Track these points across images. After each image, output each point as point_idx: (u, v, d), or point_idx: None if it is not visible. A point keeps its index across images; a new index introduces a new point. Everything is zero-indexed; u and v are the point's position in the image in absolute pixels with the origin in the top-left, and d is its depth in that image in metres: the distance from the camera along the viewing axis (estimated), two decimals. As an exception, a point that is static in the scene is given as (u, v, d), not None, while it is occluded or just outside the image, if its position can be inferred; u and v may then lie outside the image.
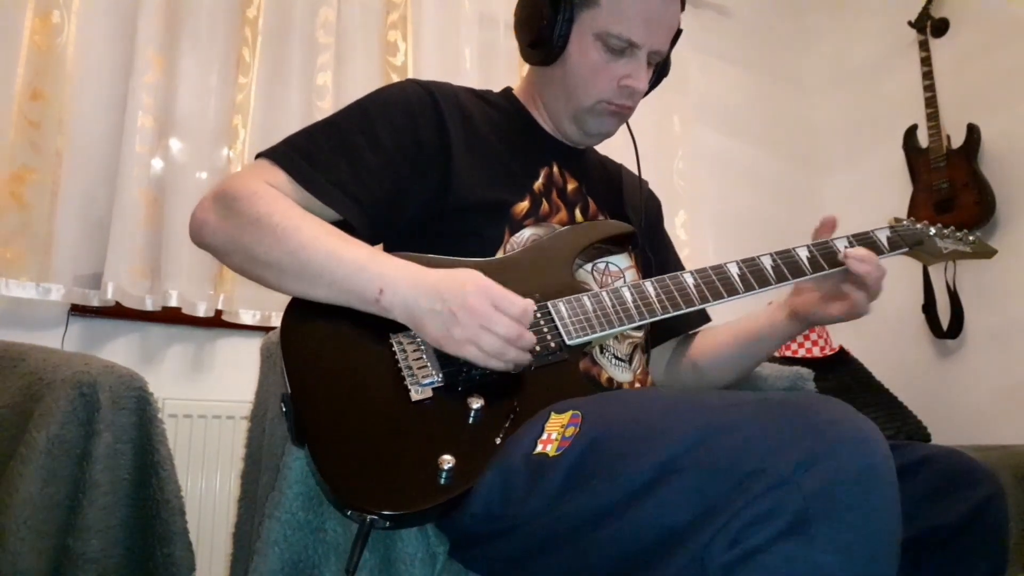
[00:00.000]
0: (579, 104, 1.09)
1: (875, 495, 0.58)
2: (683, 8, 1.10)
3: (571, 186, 1.13)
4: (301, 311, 0.87)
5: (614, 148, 1.26)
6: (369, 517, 0.73)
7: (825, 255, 1.08)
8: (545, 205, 1.08)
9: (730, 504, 0.59)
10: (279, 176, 0.94)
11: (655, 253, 1.21)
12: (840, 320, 1.09)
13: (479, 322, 0.81)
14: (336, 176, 0.95)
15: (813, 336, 2.56)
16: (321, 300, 0.86)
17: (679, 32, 1.12)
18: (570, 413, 0.77)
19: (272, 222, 0.87)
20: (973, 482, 0.88)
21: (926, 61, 2.76)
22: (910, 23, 2.85)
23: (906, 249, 1.16)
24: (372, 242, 1.04)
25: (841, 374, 2.49)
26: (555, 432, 0.76)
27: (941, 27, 2.81)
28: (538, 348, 0.89)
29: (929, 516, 0.86)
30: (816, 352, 2.53)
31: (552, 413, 0.79)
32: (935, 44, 2.80)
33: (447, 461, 0.76)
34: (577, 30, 1.04)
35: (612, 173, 1.27)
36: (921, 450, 0.93)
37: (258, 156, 0.97)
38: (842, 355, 2.56)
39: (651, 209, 1.30)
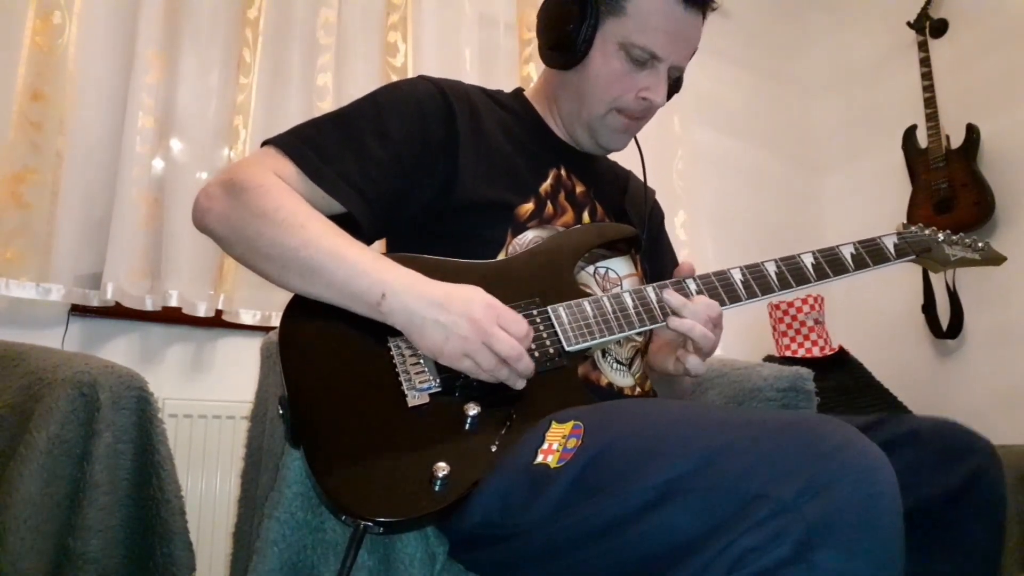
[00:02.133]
0: (593, 110, 1.08)
1: (878, 524, 0.57)
2: (704, 20, 1.09)
3: (579, 189, 1.13)
4: (300, 313, 0.87)
5: (621, 154, 1.27)
6: (363, 523, 0.73)
7: (831, 262, 1.06)
8: (550, 207, 1.07)
9: (733, 527, 0.59)
10: (287, 166, 0.93)
11: (652, 261, 1.21)
12: (676, 373, 1.01)
13: (480, 337, 0.81)
14: (343, 169, 0.95)
15: (813, 336, 2.56)
16: (320, 299, 0.86)
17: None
18: (571, 423, 0.77)
19: (278, 217, 0.87)
20: (965, 451, 0.88)
21: (925, 62, 2.77)
22: (909, 24, 2.86)
23: (913, 256, 1.13)
24: (376, 236, 1.04)
25: (841, 374, 2.50)
26: (556, 442, 0.76)
27: (940, 28, 2.81)
28: (537, 354, 0.88)
29: (922, 488, 0.85)
30: (816, 352, 2.54)
31: (553, 422, 0.79)
32: (934, 44, 2.81)
33: (442, 469, 0.76)
34: (601, 37, 1.04)
35: (620, 179, 1.27)
36: (912, 421, 0.92)
37: (265, 143, 0.97)
38: (842, 355, 2.57)
39: (654, 218, 1.29)
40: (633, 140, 1.18)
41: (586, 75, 1.07)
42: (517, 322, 0.83)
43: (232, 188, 0.91)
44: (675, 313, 0.96)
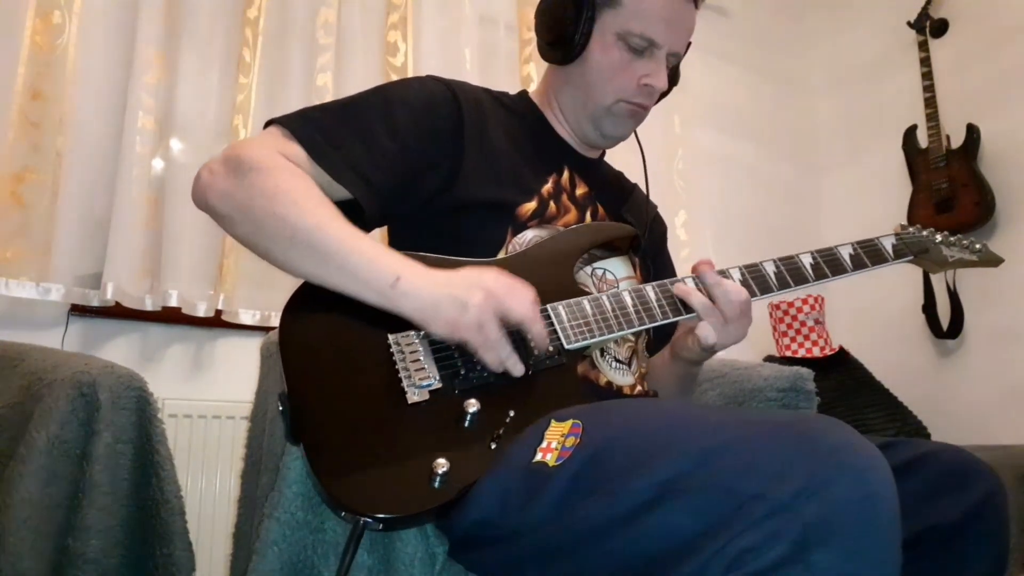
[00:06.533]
0: (598, 103, 1.09)
1: (876, 524, 0.57)
2: (696, 7, 1.11)
3: (581, 190, 1.13)
4: (301, 309, 0.87)
5: (621, 158, 1.26)
6: (362, 519, 0.73)
7: (829, 262, 1.07)
8: (552, 207, 1.07)
9: (730, 527, 0.59)
10: (294, 148, 0.92)
11: (651, 275, 1.20)
12: (700, 352, 1.02)
13: (494, 305, 0.82)
14: (350, 155, 0.94)
15: (813, 336, 2.57)
16: (325, 284, 0.85)
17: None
18: (570, 422, 0.77)
19: (290, 198, 0.86)
20: (972, 479, 0.88)
21: (925, 61, 2.77)
22: (909, 23, 2.86)
23: (911, 257, 1.14)
24: (375, 226, 1.03)
25: (841, 374, 2.50)
26: (555, 441, 0.76)
27: (940, 27, 2.81)
28: (536, 352, 0.89)
29: (928, 514, 0.85)
30: (816, 352, 2.54)
31: (552, 421, 0.79)
32: (934, 44, 2.81)
33: (441, 465, 0.76)
34: (599, 29, 1.06)
35: (625, 187, 1.27)
36: (920, 447, 0.93)
37: (270, 123, 0.96)
38: (842, 355, 2.57)
39: (655, 231, 1.29)
40: (637, 143, 1.18)
41: (587, 68, 1.08)
42: (526, 289, 0.86)
43: (239, 166, 0.89)
44: (709, 291, 0.98)
